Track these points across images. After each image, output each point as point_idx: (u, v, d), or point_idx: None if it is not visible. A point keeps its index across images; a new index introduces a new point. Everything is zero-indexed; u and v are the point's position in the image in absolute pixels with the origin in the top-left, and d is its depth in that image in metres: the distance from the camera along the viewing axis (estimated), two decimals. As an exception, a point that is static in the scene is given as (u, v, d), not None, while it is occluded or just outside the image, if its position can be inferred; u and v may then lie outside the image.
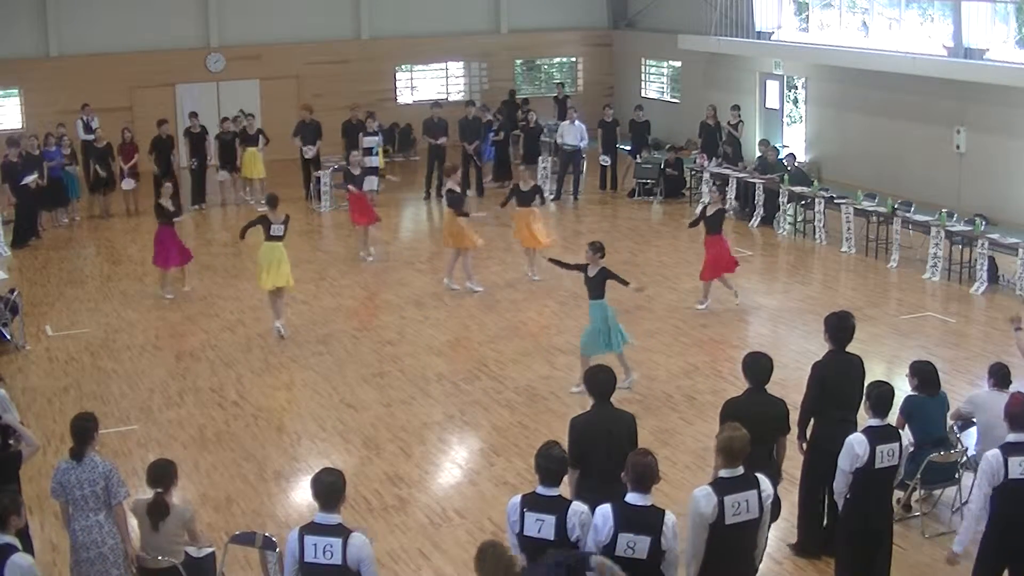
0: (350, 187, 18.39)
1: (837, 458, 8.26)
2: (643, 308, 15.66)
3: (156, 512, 7.63)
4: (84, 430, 7.79)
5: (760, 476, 6.89)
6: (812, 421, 8.83)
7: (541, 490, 6.71)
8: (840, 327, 8.79)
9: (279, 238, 14.42)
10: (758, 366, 8.19)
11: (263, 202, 16.19)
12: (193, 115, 22.84)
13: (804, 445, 8.89)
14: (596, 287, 12.44)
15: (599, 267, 12.42)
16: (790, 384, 10.68)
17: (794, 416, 8.77)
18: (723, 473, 6.81)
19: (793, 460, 8.95)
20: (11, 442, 8.74)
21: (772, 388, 8.27)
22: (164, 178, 21.96)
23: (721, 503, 6.71)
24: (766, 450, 8.00)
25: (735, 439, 6.78)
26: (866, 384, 8.77)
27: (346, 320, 15.42)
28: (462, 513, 9.98)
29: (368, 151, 22.33)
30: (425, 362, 13.76)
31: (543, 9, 29.47)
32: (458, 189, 16.98)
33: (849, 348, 8.84)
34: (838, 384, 8.70)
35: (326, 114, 23.75)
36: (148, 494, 7.79)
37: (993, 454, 7.49)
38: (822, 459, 8.60)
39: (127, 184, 21.74)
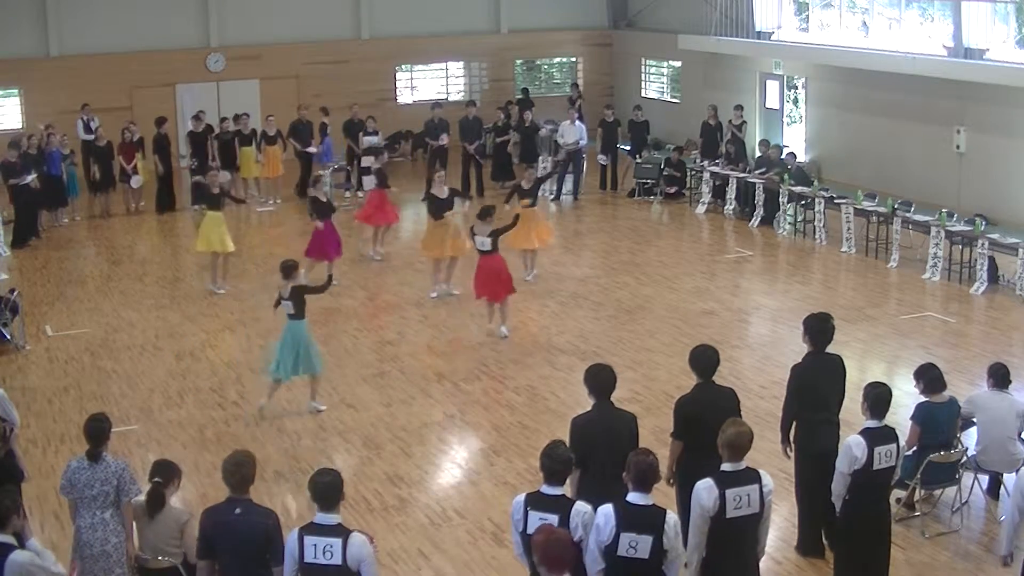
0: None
1: (825, 457, 8.29)
2: (643, 308, 15.66)
3: (152, 502, 7.62)
4: (100, 431, 7.79)
5: (762, 471, 6.92)
6: (795, 423, 8.81)
7: (545, 489, 6.71)
8: (819, 329, 8.79)
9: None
10: (705, 359, 8.21)
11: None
12: (198, 116, 22.79)
13: (788, 449, 8.90)
14: None
15: None
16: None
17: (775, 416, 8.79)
18: (726, 467, 6.85)
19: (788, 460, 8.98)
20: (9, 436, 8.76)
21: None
22: (165, 177, 22.06)
23: (723, 496, 6.75)
24: None
25: (742, 434, 6.83)
26: (847, 383, 8.83)
27: (346, 320, 15.41)
28: (462, 513, 9.98)
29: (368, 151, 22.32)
30: (425, 362, 13.76)
31: (543, 9, 29.44)
32: (443, 194, 16.22)
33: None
34: (818, 385, 8.71)
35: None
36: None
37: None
38: (812, 461, 8.62)
39: (135, 182, 21.71)
